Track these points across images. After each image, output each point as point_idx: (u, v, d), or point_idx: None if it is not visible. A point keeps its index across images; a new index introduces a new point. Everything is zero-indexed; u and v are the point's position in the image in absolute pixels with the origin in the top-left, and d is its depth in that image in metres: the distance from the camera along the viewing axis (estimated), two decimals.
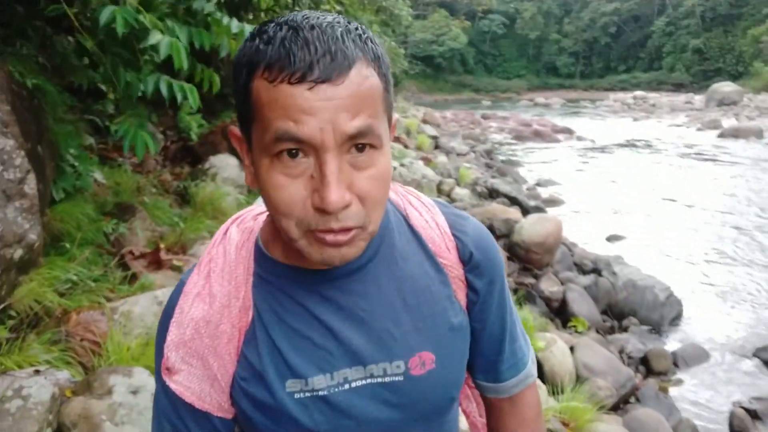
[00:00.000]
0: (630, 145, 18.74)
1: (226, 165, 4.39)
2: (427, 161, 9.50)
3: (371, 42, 0.63)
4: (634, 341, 5.13)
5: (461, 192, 8.08)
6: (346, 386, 0.71)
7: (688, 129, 22.52)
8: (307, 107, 0.58)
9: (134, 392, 1.71)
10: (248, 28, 2.79)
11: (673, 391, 4.60)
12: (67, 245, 2.47)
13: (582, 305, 5.40)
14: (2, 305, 2.02)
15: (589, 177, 13.15)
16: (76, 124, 3.59)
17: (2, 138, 2.14)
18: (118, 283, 2.47)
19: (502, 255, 0.88)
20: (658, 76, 51.47)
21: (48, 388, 1.68)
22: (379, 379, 0.73)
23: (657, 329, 5.61)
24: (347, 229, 0.63)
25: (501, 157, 15.54)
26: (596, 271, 6.36)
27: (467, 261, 0.79)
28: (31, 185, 2.23)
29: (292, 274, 0.72)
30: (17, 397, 1.62)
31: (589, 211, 9.94)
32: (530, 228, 5.93)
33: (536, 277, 5.74)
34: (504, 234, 6.25)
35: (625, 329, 5.54)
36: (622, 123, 26.06)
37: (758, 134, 19.59)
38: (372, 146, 0.62)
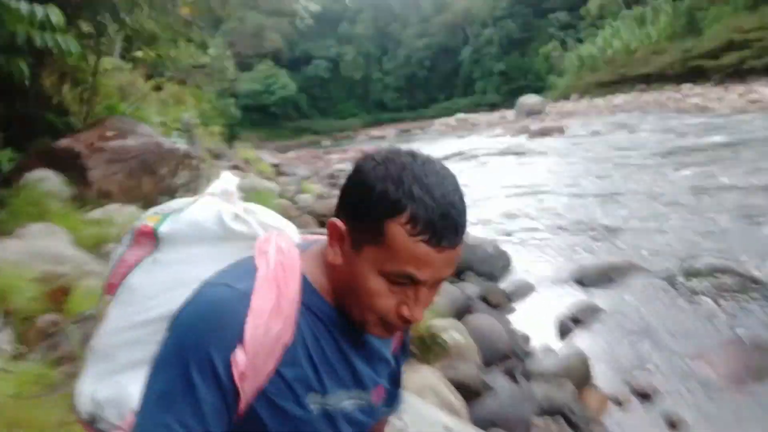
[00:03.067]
0: (456, 155, 20.33)
1: (43, 180, 4.27)
2: (269, 179, 9.68)
3: (464, 197, 0.84)
4: (473, 287, 5.69)
5: (304, 197, 8.36)
6: (341, 403, 0.90)
7: (504, 137, 25.01)
8: (431, 262, 0.79)
9: None
10: (39, 9, 2.78)
11: (511, 319, 5.20)
12: None
13: None
14: None
15: None
16: None
17: None
18: None
19: None
20: (474, 99, 56.43)
21: None
22: (358, 401, 0.93)
23: (491, 278, 6.26)
24: None
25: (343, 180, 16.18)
26: None
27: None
28: None
29: (335, 315, 0.89)
30: None
31: None
32: None
33: None
34: None
35: (463, 281, 6.12)
36: (448, 141, 28.16)
37: (560, 131, 22.52)
38: None
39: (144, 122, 7.71)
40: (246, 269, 0.84)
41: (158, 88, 10.59)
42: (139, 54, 11.27)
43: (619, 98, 33.04)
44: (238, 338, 0.77)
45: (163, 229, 0.99)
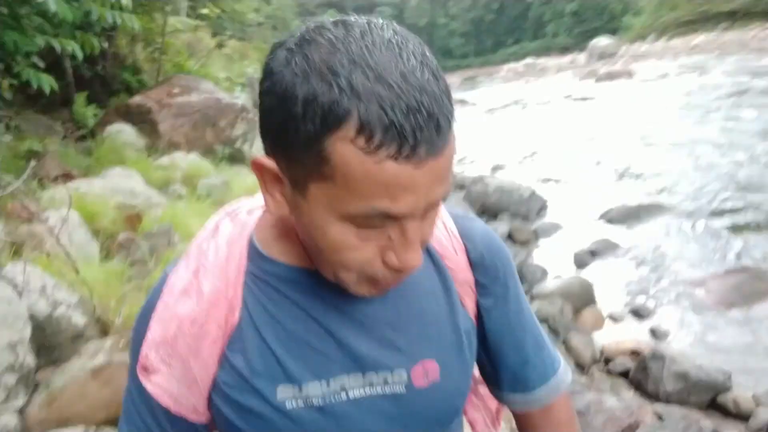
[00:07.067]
0: (519, 102, 20.23)
1: (120, 132, 5.05)
2: None
3: (442, 73, 0.55)
4: (503, 227, 6.14)
5: None
6: (343, 395, 0.66)
7: (571, 82, 24.46)
8: (409, 185, 0.52)
9: (65, 219, 2.42)
10: None
11: (536, 254, 5.63)
12: None
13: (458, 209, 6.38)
14: None
15: (478, 132, 14.39)
16: None
17: None
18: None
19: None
20: (544, 43, 54.54)
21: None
22: (379, 389, 0.68)
23: (526, 219, 6.67)
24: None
25: None
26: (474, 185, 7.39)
27: (478, 263, 0.74)
28: None
29: (293, 275, 0.67)
30: None
31: (476, 156, 11.08)
32: None
33: None
34: None
35: (497, 221, 6.56)
36: (514, 87, 27.77)
37: (629, 74, 21.85)
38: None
39: (209, 78, 8.43)
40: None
41: (220, 45, 11.28)
42: (204, 11, 11.99)
43: (699, 38, 31.19)
44: (148, 328, 0.67)
45: None
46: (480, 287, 0.75)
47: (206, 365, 0.66)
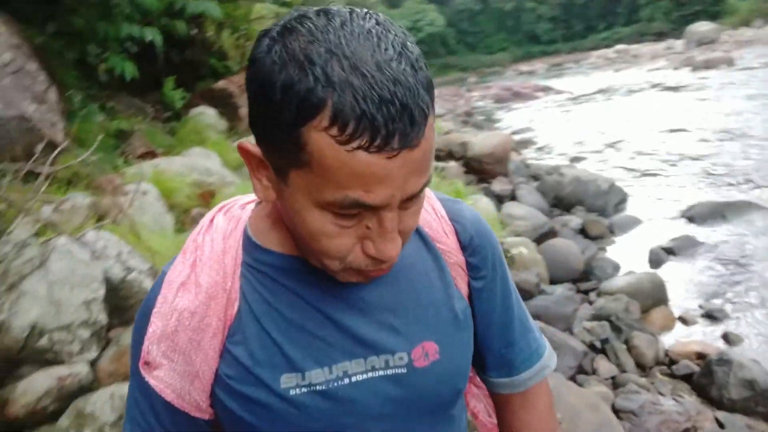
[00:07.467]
0: (607, 91, 19.41)
1: (203, 114, 5.34)
2: None
3: (424, 64, 0.55)
4: (577, 219, 5.96)
5: None
6: (346, 380, 0.67)
7: (665, 70, 23.14)
8: (383, 176, 0.53)
9: (144, 193, 2.64)
10: None
11: (609, 249, 5.45)
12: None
13: (530, 198, 6.25)
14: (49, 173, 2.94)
15: (561, 121, 13.95)
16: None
17: (30, 62, 3.06)
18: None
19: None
20: (639, 27, 51.67)
21: (87, 199, 2.61)
22: (381, 372, 0.69)
23: (602, 213, 6.43)
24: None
25: (480, 117, 16.41)
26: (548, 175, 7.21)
27: (468, 245, 0.76)
28: (52, 95, 3.15)
29: (288, 264, 0.68)
30: None
31: (555, 146, 10.77)
32: (480, 143, 6.79)
33: (490, 182, 6.61)
34: (461, 156, 7.12)
35: (571, 214, 6.37)
36: (603, 75, 26.59)
37: (729, 62, 20.33)
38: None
39: None
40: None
41: None
42: None
43: None
44: (149, 323, 0.68)
45: None
46: (471, 268, 0.77)
47: (208, 358, 0.67)
